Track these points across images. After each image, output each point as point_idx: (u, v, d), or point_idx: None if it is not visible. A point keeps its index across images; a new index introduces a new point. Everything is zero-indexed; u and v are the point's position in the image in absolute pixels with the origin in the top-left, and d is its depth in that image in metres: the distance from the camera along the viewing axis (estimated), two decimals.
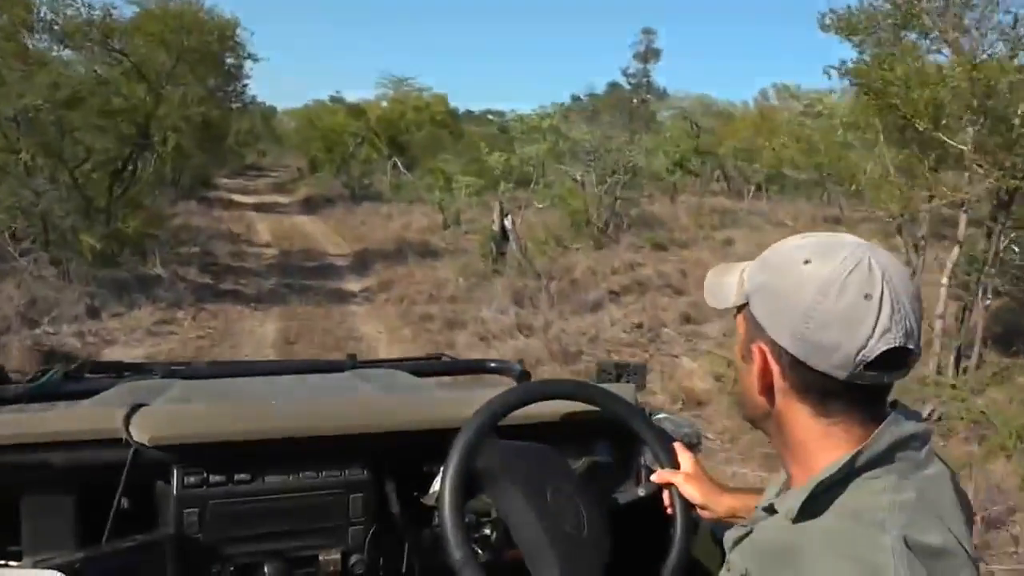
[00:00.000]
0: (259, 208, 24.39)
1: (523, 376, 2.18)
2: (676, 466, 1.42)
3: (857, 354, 0.86)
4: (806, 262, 0.90)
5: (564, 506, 1.31)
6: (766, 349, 0.93)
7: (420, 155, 30.25)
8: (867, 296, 0.86)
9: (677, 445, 1.45)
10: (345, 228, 19.32)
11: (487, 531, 1.37)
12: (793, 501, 0.91)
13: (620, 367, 1.88)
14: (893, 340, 0.86)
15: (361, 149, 30.63)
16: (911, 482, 0.89)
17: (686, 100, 29.29)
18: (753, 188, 25.95)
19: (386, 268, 13.30)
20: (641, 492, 1.50)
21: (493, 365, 2.27)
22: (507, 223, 10.80)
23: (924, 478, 0.90)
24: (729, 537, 1.04)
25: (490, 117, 33.61)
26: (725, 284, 1.01)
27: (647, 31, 36.93)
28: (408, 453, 1.49)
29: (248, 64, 25.29)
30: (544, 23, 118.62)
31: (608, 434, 1.60)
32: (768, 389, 0.95)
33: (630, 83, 36.22)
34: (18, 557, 1.29)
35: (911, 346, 0.88)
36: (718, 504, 1.35)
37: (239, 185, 33.66)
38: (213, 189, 29.00)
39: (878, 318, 0.86)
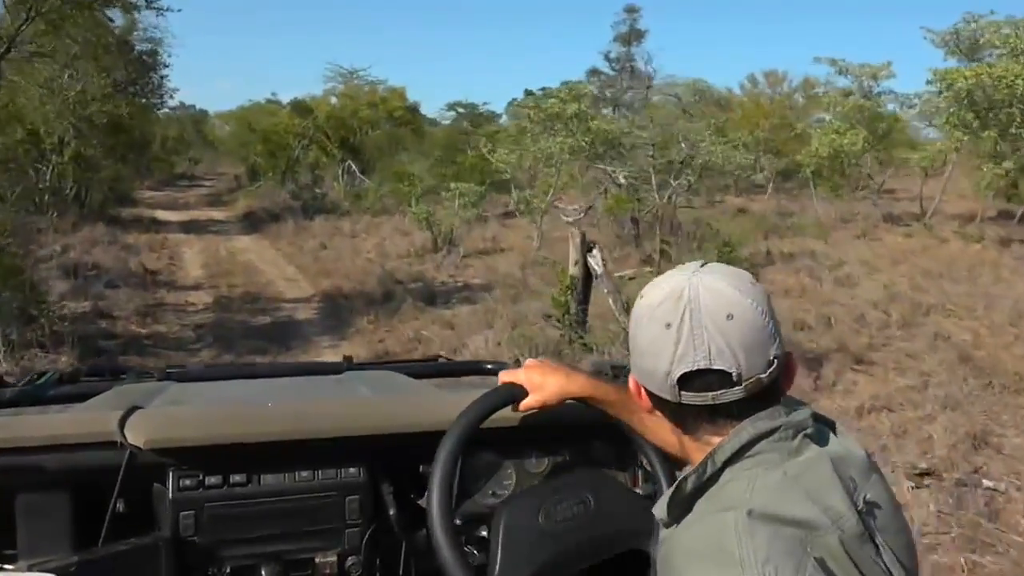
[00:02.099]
0: (189, 228, 19.32)
1: None
2: (522, 394, 1.33)
3: (665, 378, 0.92)
4: (641, 296, 0.97)
5: (563, 509, 1.29)
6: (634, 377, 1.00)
7: (377, 157, 25.79)
8: (667, 325, 0.91)
9: (502, 375, 1.37)
10: (302, 254, 14.55)
11: (483, 533, 1.34)
12: (661, 505, 0.96)
13: (616, 368, 1.70)
14: (692, 364, 0.90)
15: (309, 152, 25.87)
16: (781, 469, 0.89)
17: (679, 86, 25.11)
18: (771, 185, 21.93)
19: (376, 325, 8.71)
20: (638, 492, 1.47)
21: (489, 366, 2.14)
22: (594, 262, 6.31)
23: (796, 464, 0.90)
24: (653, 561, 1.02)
25: (459, 110, 29.02)
26: None
27: (630, 9, 32.37)
28: (404, 454, 1.44)
29: (163, 53, 20.61)
30: (504, 14, 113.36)
31: (604, 434, 1.50)
32: (646, 408, 1.00)
33: (613, 68, 31.91)
34: (14, 560, 1.25)
35: (719, 366, 0.89)
36: (574, 390, 1.31)
37: (166, 199, 28.30)
38: (132, 205, 23.69)
39: (677, 345, 0.90)
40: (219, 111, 45.17)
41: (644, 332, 0.93)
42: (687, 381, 0.90)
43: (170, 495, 1.30)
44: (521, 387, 1.33)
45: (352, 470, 1.38)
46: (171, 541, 1.28)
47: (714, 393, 0.90)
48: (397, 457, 1.43)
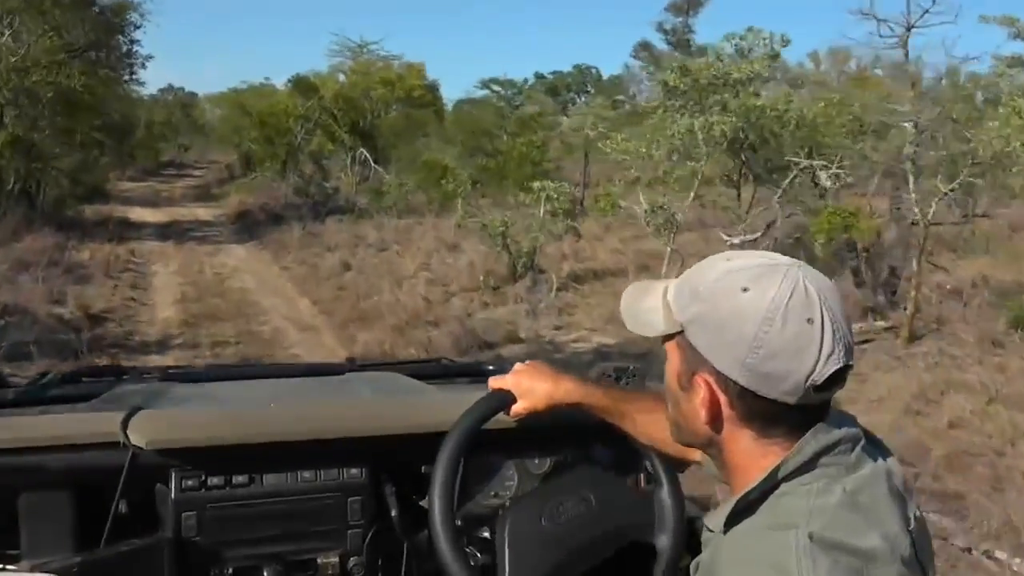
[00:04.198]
0: (168, 232, 15.14)
1: None
2: (511, 400, 1.28)
3: (807, 379, 0.83)
4: (744, 290, 0.85)
5: (566, 510, 1.26)
6: (710, 380, 0.88)
7: (392, 144, 21.64)
8: (809, 321, 0.83)
9: (491, 381, 1.33)
10: (317, 278, 10.38)
11: (485, 534, 1.32)
12: (720, 516, 0.90)
13: (619, 370, 1.63)
14: (838, 361, 0.84)
15: (312, 138, 21.63)
16: (840, 485, 0.85)
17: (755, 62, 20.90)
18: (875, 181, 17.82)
19: None
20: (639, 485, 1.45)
21: (491, 368, 2.03)
22: None
23: (855, 479, 0.86)
24: (692, 565, 0.96)
25: (493, 87, 24.77)
26: (647, 309, 0.94)
27: None
28: (406, 455, 1.42)
29: (134, 14, 16.13)
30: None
31: (606, 434, 1.42)
32: (714, 419, 0.90)
33: (668, 41, 27.50)
34: (16, 560, 1.23)
35: (851, 362, 0.86)
36: (561, 395, 1.27)
37: (147, 192, 24.02)
38: (104, 200, 19.44)
39: (822, 342, 0.83)
40: (209, 93, 40.52)
41: (781, 330, 0.82)
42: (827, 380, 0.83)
43: (172, 496, 1.29)
44: (509, 393, 1.29)
45: (354, 471, 1.37)
46: (173, 542, 1.27)
47: (833, 389, 0.85)
48: (399, 458, 1.42)
